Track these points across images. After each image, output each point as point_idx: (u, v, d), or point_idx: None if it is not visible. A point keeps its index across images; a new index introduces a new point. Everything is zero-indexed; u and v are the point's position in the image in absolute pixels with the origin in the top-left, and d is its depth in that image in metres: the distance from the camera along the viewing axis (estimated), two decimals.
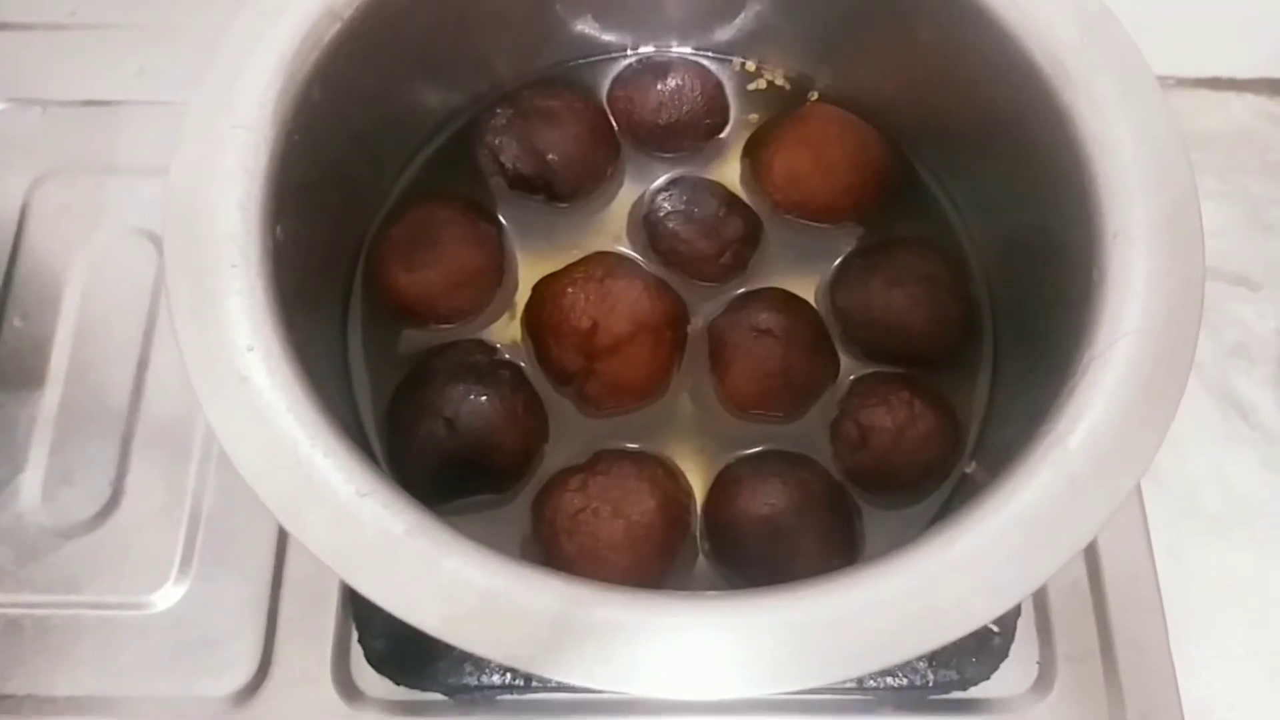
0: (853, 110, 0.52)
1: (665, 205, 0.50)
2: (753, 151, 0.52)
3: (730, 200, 0.50)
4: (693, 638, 0.30)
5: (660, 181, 0.52)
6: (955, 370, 0.49)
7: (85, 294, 0.56)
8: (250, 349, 0.34)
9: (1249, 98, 0.71)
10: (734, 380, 0.47)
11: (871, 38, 0.50)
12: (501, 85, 0.53)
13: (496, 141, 0.51)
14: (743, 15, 0.52)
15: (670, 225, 0.49)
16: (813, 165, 0.50)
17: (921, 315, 0.47)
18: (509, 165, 0.50)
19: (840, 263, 0.50)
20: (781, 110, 0.53)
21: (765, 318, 0.47)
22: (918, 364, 0.48)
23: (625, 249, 0.50)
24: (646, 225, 0.50)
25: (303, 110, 0.39)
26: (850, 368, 0.49)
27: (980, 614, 0.32)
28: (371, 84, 0.44)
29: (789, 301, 0.48)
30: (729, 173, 0.53)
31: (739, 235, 0.49)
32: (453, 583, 0.31)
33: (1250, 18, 0.67)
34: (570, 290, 0.46)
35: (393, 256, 0.48)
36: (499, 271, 0.49)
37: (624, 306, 0.45)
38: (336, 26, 0.40)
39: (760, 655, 0.30)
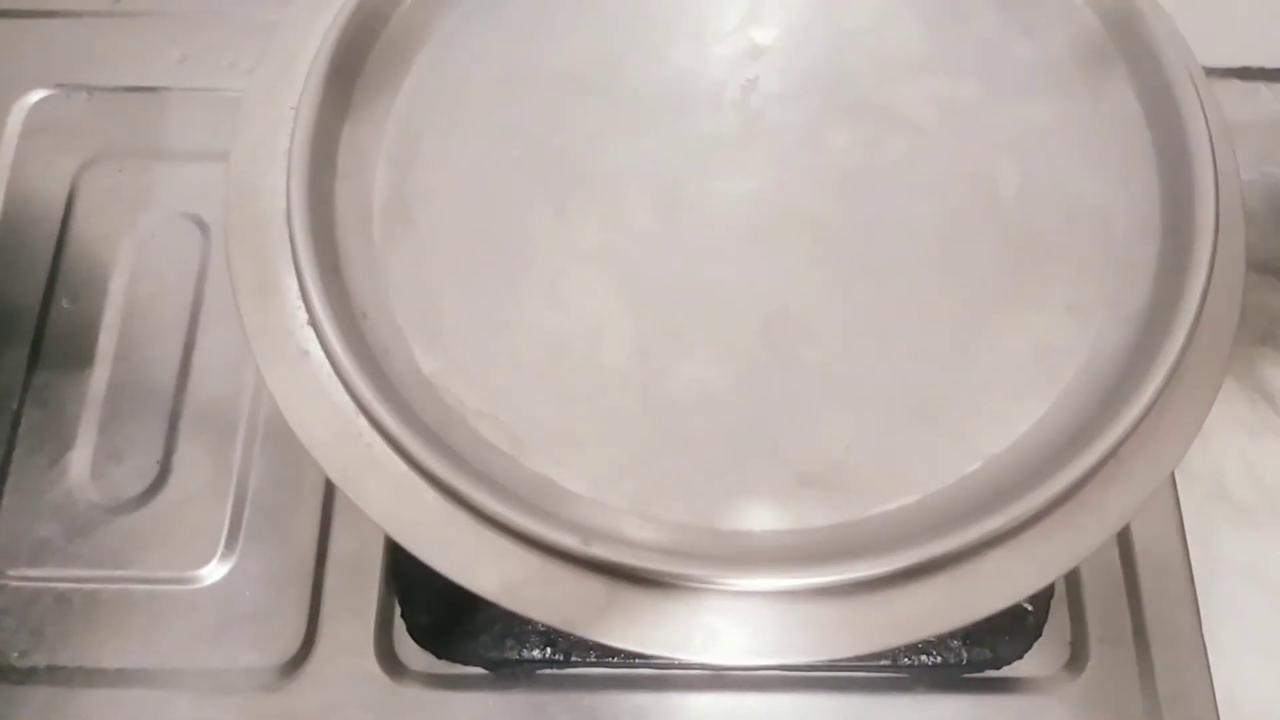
0: None
1: None
2: None
3: None
4: (745, 605, 0.31)
5: None
6: None
7: (132, 276, 0.57)
8: (309, 323, 0.35)
9: (1279, 87, 0.71)
10: None
11: None
12: None
13: None
14: None
15: None
16: None
17: None
18: None
19: None
20: None
21: None
22: None
23: None
24: None
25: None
26: None
27: (1022, 587, 0.32)
28: None
29: None
30: None
31: None
32: (510, 550, 0.32)
33: (1276, 5, 0.67)
34: None
35: None
36: None
37: None
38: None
39: (810, 624, 0.31)
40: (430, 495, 0.33)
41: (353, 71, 0.38)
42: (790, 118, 0.40)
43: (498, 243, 0.37)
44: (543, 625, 0.46)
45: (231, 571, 0.51)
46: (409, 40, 0.40)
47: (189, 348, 0.55)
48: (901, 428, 0.35)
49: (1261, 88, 0.71)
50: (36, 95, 0.62)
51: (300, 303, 0.35)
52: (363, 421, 0.33)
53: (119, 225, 0.58)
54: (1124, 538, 0.51)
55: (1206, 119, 0.36)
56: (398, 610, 0.49)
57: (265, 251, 0.35)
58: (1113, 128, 0.39)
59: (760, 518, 0.33)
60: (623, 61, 0.40)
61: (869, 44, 0.41)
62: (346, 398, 0.34)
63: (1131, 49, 0.39)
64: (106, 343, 0.56)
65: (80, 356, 0.55)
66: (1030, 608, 0.48)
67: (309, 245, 0.33)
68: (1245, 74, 0.70)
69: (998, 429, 0.35)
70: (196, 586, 0.50)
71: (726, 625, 0.31)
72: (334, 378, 0.34)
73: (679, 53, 0.41)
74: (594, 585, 0.31)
